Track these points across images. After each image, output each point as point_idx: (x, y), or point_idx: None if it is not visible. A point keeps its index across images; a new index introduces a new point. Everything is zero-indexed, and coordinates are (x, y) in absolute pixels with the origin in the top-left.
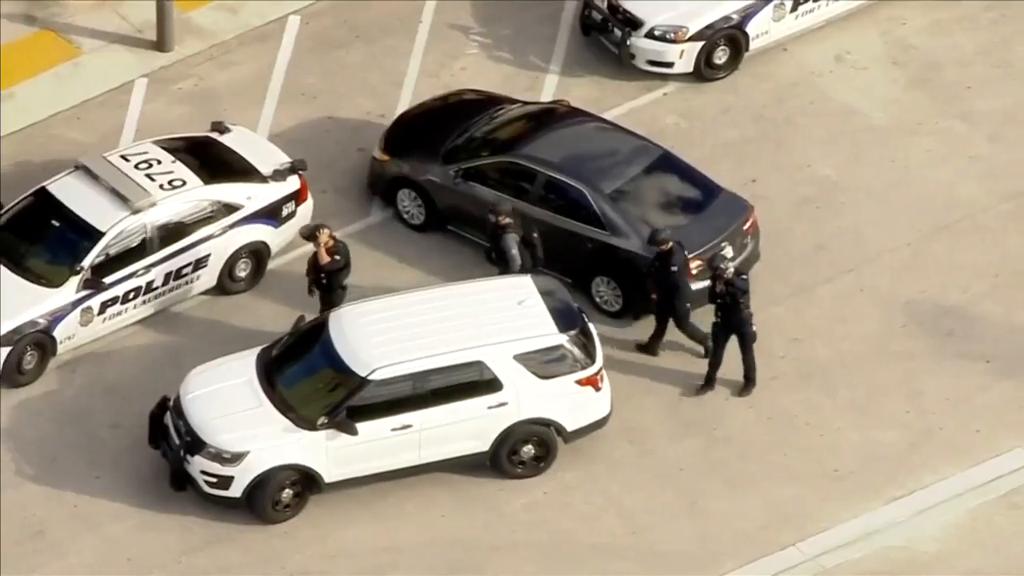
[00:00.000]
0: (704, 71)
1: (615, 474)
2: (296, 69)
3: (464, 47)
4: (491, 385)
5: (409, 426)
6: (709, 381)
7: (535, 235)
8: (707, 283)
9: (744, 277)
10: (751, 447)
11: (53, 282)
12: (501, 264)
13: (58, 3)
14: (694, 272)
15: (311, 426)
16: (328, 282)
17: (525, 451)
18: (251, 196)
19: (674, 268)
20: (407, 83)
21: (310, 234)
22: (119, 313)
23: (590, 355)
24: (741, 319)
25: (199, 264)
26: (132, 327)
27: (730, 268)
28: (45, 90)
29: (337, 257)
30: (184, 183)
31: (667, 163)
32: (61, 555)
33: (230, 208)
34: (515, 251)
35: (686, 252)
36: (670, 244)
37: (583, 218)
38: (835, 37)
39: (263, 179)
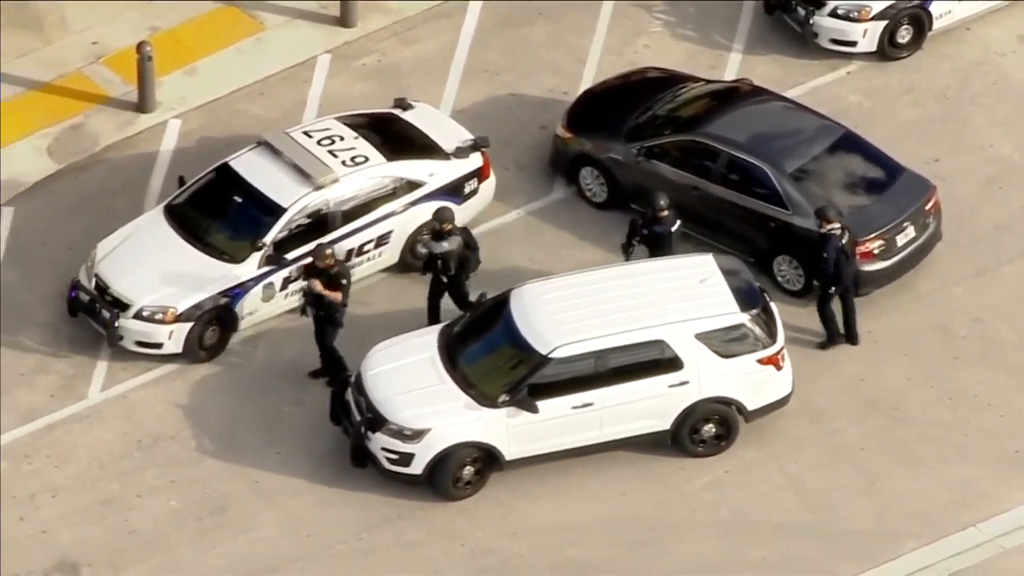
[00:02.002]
0: (887, 50)
1: (795, 453)
2: (479, 46)
3: (647, 25)
4: (672, 364)
5: (590, 404)
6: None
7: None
8: (886, 264)
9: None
10: (931, 427)
11: (235, 258)
12: (459, 268)
13: None
14: (875, 252)
15: (492, 403)
16: (327, 312)
17: (706, 430)
18: (433, 173)
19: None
20: (590, 60)
21: (318, 254)
22: (301, 290)
23: (771, 334)
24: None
25: (381, 241)
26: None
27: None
28: (228, 66)
29: (337, 294)
30: (366, 159)
31: (850, 142)
32: (242, 531)
33: (412, 185)
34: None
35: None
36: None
37: (765, 197)
38: (1019, 17)
39: (445, 156)
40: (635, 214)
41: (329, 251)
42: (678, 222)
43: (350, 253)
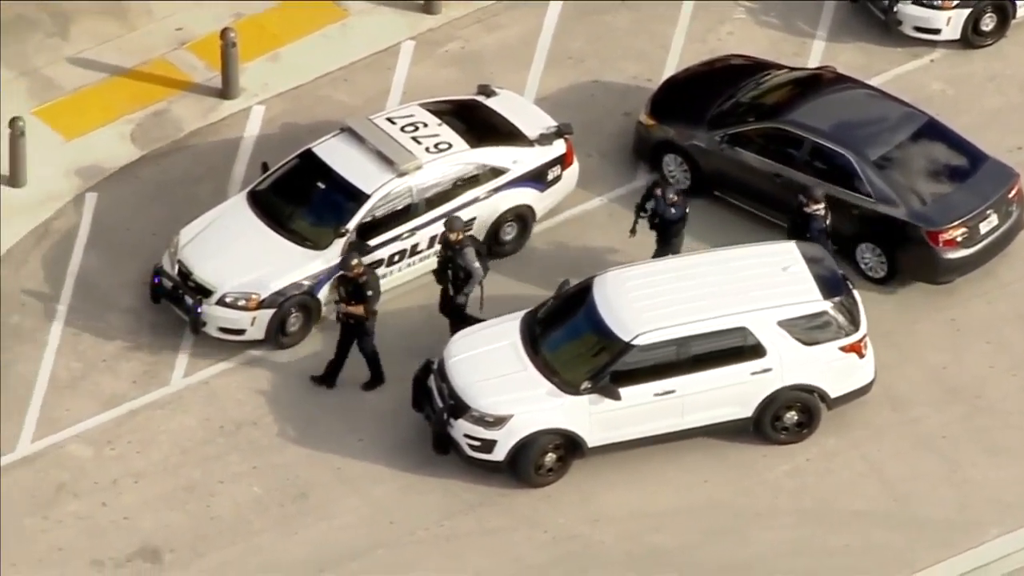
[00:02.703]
0: (971, 38)
1: (877, 441)
2: (562, 33)
3: (731, 12)
4: (755, 351)
5: (672, 391)
6: None
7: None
8: (969, 251)
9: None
10: (1013, 416)
11: (318, 244)
12: (466, 278)
13: None
14: (958, 240)
15: (575, 390)
16: (356, 322)
17: (788, 417)
18: (517, 160)
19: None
20: (673, 48)
21: (345, 264)
22: (384, 276)
23: (854, 322)
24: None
25: (464, 228)
26: (396, 289)
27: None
28: (312, 52)
29: (363, 303)
30: (450, 146)
31: (933, 130)
32: (324, 517)
33: (496, 172)
34: (477, 264)
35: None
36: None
37: (849, 184)
38: None
39: (529, 143)
40: (658, 186)
41: (356, 260)
42: (686, 210)
43: (433, 240)
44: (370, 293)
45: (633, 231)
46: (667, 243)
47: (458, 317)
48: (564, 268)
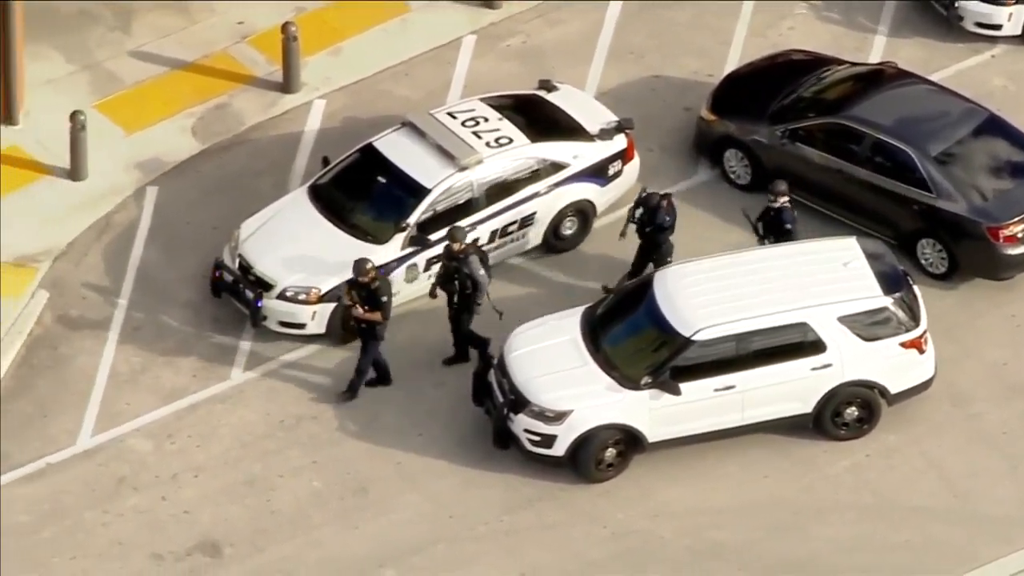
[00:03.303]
0: None
1: (937, 437)
2: (623, 28)
3: (792, 7)
4: (815, 347)
5: (732, 387)
6: None
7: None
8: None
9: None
10: None
11: (379, 239)
12: (474, 288)
13: None
14: (1019, 236)
15: (635, 386)
16: (368, 326)
17: (848, 413)
18: (577, 154)
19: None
20: (734, 43)
21: (358, 270)
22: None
23: (915, 317)
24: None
25: (525, 222)
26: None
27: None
28: (373, 46)
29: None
30: (511, 141)
31: (994, 126)
32: (384, 511)
33: (556, 166)
34: (482, 271)
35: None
36: (785, 199)
37: (909, 180)
38: None
39: (590, 137)
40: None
41: (369, 265)
42: (668, 218)
43: (494, 234)
44: (384, 299)
45: (623, 234)
46: (657, 249)
47: (466, 338)
48: (625, 264)
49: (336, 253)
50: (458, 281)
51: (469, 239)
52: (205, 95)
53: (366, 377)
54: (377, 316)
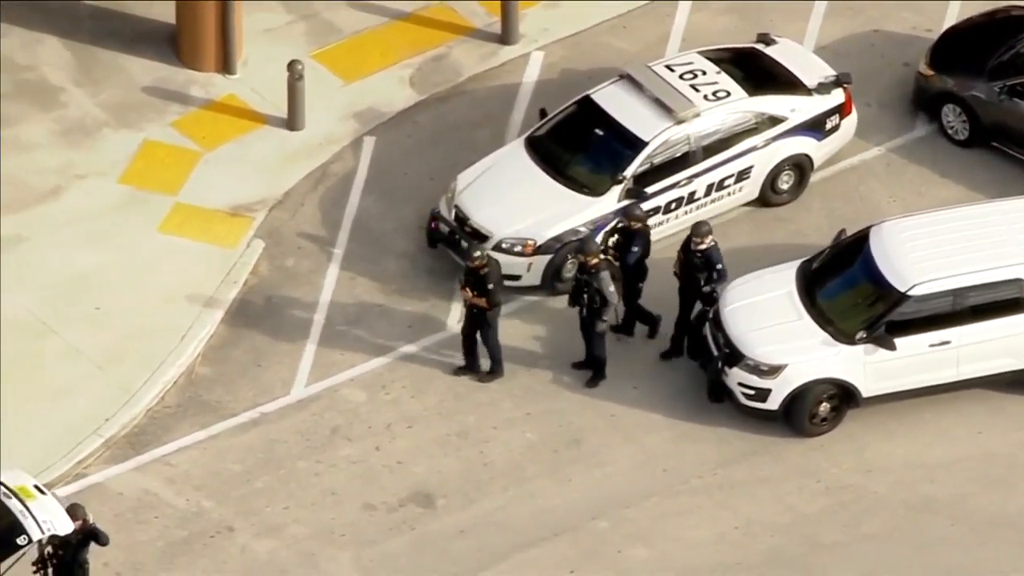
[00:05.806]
0: None
1: None
2: None
3: None
4: None
5: (947, 342)
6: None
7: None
8: None
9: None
10: None
11: (595, 191)
12: (602, 303)
13: None
14: None
15: (850, 340)
16: (479, 312)
17: None
18: (795, 108)
19: (635, 250)
20: None
21: (467, 255)
22: (660, 223)
23: None
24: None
25: (741, 176)
26: (660, 240)
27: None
28: None
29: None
30: (728, 94)
31: None
32: (597, 464)
33: (774, 120)
34: (612, 288)
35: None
36: (639, 225)
37: None
38: None
39: (807, 92)
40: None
41: (478, 252)
42: (636, 249)
43: (710, 188)
44: (491, 286)
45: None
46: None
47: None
48: (841, 218)
49: (552, 205)
50: (587, 295)
51: (687, 192)
52: (423, 46)
53: (499, 351)
54: (483, 302)
